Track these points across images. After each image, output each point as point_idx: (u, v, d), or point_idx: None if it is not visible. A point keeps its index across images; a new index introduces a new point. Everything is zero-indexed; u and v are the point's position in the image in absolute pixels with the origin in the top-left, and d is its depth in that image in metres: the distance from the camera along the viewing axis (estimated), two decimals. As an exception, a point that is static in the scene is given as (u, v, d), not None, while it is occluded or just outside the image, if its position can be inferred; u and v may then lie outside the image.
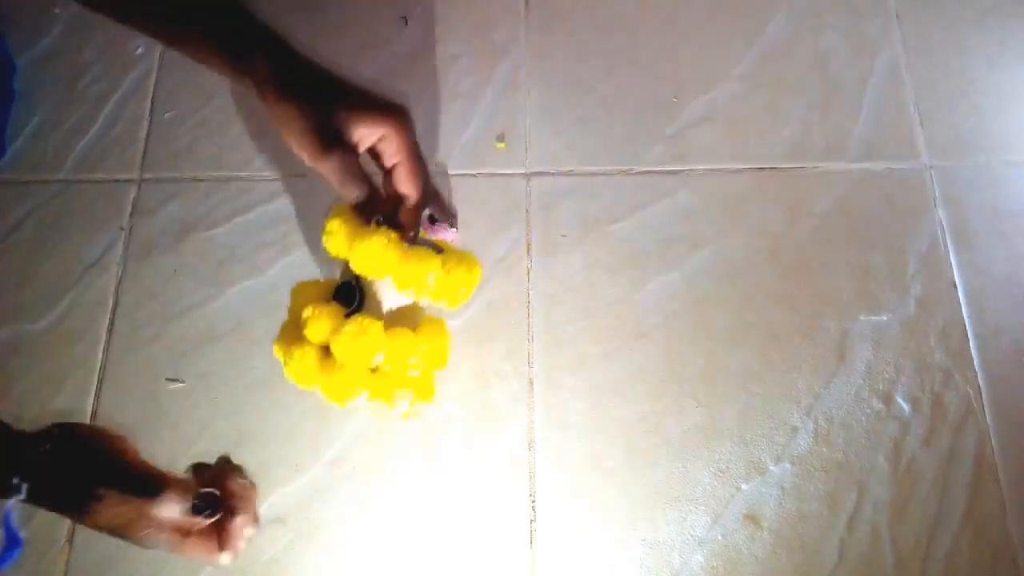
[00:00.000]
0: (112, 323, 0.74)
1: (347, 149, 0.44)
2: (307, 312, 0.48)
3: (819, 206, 0.77)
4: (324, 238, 0.48)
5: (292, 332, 0.49)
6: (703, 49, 0.84)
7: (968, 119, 0.81)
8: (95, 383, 0.72)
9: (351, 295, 0.48)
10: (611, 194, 0.78)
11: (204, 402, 0.70)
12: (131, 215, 0.78)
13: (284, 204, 0.78)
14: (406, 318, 0.50)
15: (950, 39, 0.85)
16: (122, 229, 0.77)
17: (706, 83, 0.82)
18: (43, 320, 0.74)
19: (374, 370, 0.49)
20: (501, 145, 0.79)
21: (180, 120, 0.82)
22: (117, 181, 0.80)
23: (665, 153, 0.79)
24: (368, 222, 0.47)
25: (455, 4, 0.86)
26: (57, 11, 0.88)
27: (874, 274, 0.74)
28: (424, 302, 0.50)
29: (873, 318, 0.72)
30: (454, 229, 0.55)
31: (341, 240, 0.47)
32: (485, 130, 0.80)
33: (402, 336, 0.48)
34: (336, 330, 0.46)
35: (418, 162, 0.45)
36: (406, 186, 0.46)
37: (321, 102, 0.43)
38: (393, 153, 0.45)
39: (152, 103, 0.83)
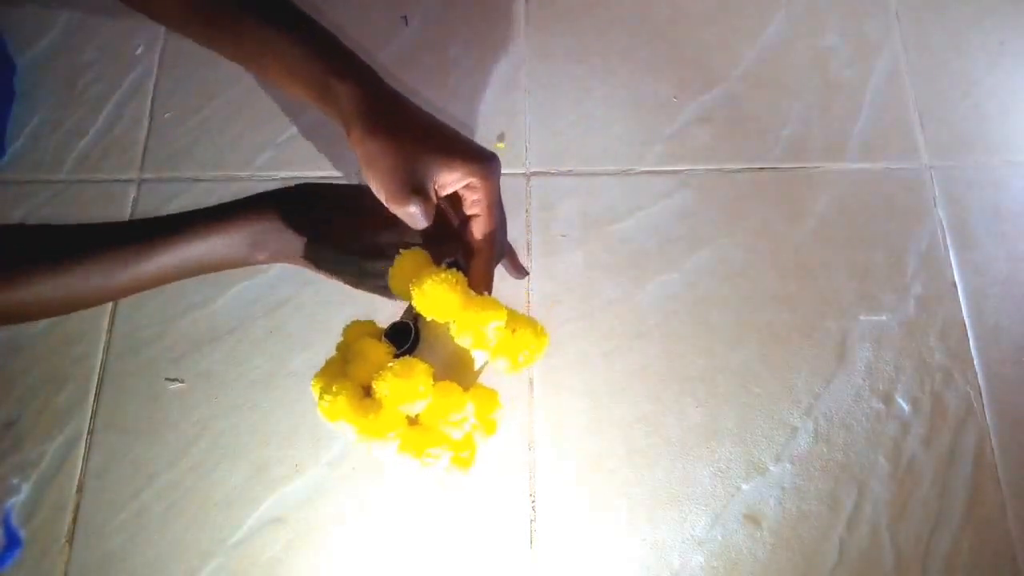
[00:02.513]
0: (112, 323, 0.74)
1: (429, 194, 0.42)
2: (355, 346, 0.45)
3: (819, 206, 0.77)
4: (389, 278, 0.46)
5: (335, 369, 0.46)
6: (703, 49, 0.84)
7: (968, 119, 0.81)
8: (95, 383, 0.72)
9: (405, 334, 0.45)
10: (611, 194, 0.78)
11: (204, 402, 0.70)
12: (131, 215, 0.78)
13: (284, 204, 0.78)
14: (459, 373, 0.46)
15: (950, 39, 0.85)
16: (122, 229, 0.77)
17: (706, 83, 0.82)
18: (43, 320, 0.74)
19: (413, 420, 0.46)
20: (501, 145, 0.79)
21: (180, 120, 0.82)
22: (117, 181, 0.80)
23: (665, 153, 0.79)
24: (438, 263, 0.44)
25: (455, 4, 0.86)
26: (57, 11, 0.87)
27: (874, 274, 0.74)
28: (481, 358, 0.46)
29: (873, 318, 0.72)
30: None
31: (405, 276, 0.44)
32: (485, 130, 0.80)
33: (450, 390, 0.45)
34: (382, 368, 0.43)
35: (499, 217, 0.44)
36: (483, 240, 0.44)
37: (411, 141, 0.41)
38: (475, 203, 0.43)
39: (152, 103, 0.83)
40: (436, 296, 0.43)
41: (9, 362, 0.73)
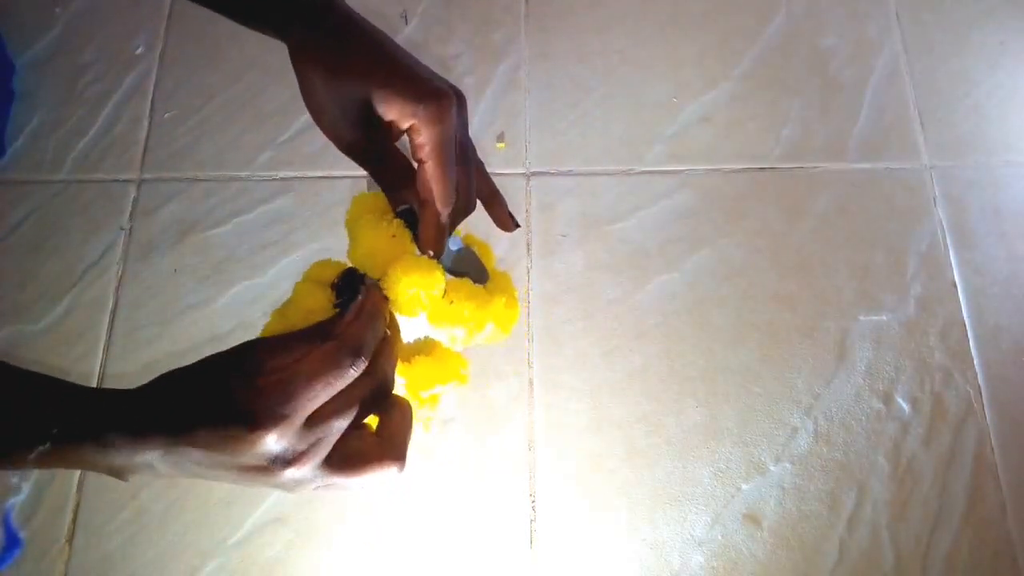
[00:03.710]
0: (112, 323, 0.74)
1: (375, 135, 0.37)
2: (296, 289, 0.40)
3: (819, 206, 0.77)
4: (345, 219, 0.41)
5: (279, 320, 0.41)
6: (703, 49, 0.84)
7: (968, 119, 0.81)
8: (95, 383, 0.71)
9: (353, 284, 0.40)
10: (611, 194, 0.77)
11: (204, 402, 0.70)
12: (131, 215, 0.78)
13: (284, 204, 0.78)
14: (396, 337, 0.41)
15: (950, 39, 0.85)
16: (122, 229, 0.77)
17: (706, 83, 0.82)
18: (43, 320, 0.74)
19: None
20: (501, 145, 0.79)
21: (180, 120, 0.82)
22: (117, 181, 0.80)
23: (665, 153, 0.79)
24: (395, 208, 0.39)
25: (455, 3, 0.86)
26: (57, 11, 0.88)
27: (874, 274, 0.74)
28: (422, 328, 0.41)
29: (873, 318, 0.72)
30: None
31: (353, 220, 0.40)
32: (485, 130, 0.80)
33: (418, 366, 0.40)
34: (318, 315, 0.38)
35: (445, 165, 0.36)
36: (427, 191, 0.37)
37: (350, 74, 0.36)
38: (420, 147, 0.37)
39: (152, 103, 0.83)
40: (367, 248, 0.38)
41: (9, 361, 0.72)
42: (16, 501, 0.67)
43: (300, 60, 0.37)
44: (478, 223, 0.45)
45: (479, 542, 0.66)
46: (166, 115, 0.83)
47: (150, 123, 0.82)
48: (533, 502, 0.67)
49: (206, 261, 0.76)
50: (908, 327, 0.72)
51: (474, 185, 0.40)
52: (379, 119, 0.37)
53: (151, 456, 0.30)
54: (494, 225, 0.45)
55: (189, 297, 0.74)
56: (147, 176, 0.80)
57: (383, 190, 0.40)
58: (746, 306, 0.73)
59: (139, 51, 0.86)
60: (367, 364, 0.33)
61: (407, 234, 0.39)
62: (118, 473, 0.31)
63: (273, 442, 0.30)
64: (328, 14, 0.37)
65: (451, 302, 0.39)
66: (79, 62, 0.85)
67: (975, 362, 0.71)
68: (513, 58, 0.84)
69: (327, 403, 0.32)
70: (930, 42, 0.84)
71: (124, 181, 0.80)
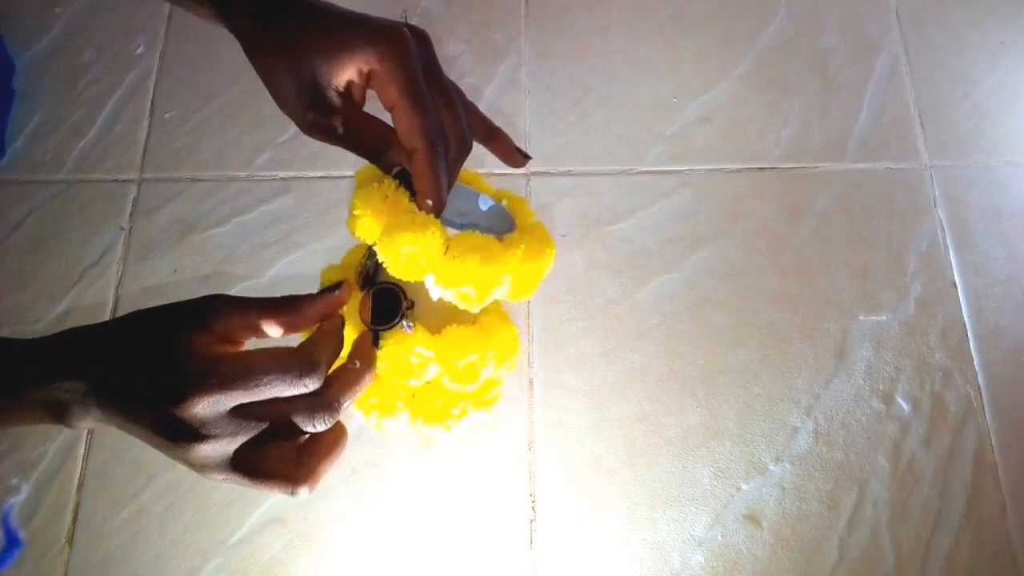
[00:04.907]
0: (112, 323, 0.74)
1: (330, 105, 0.35)
2: (323, 279, 0.38)
3: (819, 206, 0.77)
4: (348, 220, 0.37)
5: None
6: (703, 49, 0.84)
7: (968, 119, 0.81)
8: (95, 383, 0.71)
9: (392, 306, 0.37)
10: (611, 194, 0.78)
11: (204, 402, 0.70)
12: (131, 215, 0.78)
13: (284, 204, 0.78)
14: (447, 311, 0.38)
15: (950, 39, 0.85)
16: (122, 229, 0.77)
17: (706, 83, 0.82)
18: (43, 320, 0.74)
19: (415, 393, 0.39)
20: (501, 145, 0.79)
21: (180, 120, 0.82)
22: (117, 181, 0.80)
23: (665, 153, 0.79)
24: (389, 172, 0.37)
25: (455, 3, 0.86)
26: (57, 11, 0.88)
27: (874, 274, 0.74)
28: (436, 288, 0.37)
29: (873, 318, 0.72)
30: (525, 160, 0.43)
31: (369, 225, 0.36)
32: (485, 130, 0.80)
33: (455, 335, 0.37)
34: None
35: (415, 100, 0.33)
36: (407, 137, 0.34)
37: (299, 48, 0.34)
38: (386, 95, 0.34)
39: (152, 103, 0.83)
40: (361, 213, 0.35)
41: None
42: (16, 501, 0.67)
43: (250, 51, 0.36)
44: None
45: (479, 542, 0.66)
46: (166, 115, 0.83)
47: (150, 123, 0.82)
48: (533, 502, 0.67)
49: (206, 261, 0.76)
50: (908, 327, 0.72)
51: (463, 122, 0.37)
52: (338, 90, 0.35)
53: (83, 396, 0.30)
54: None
55: (189, 297, 0.74)
56: (147, 176, 0.80)
57: (369, 160, 0.37)
58: (746, 306, 0.73)
59: (139, 51, 0.86)
60: (319, 382, 0.32)
61: (403, 194, 0.36)
62: (62, 417, 0.31)
63: (194, 407, 0.29)
64: (275, 2, 0.36)
65: (453, 258, 0.35)
66: (79, 62, 0.85)
67: (975, 362, 0.71)
68: (513, 58, 0.84)
69: (264, 402, 0.31)
70: (930, 42, 0.84)
71: (124, 181, 0.80)
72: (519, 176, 0.78)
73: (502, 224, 0.40)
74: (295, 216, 0.77)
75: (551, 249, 0.39)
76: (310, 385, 0.31)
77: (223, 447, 0.30)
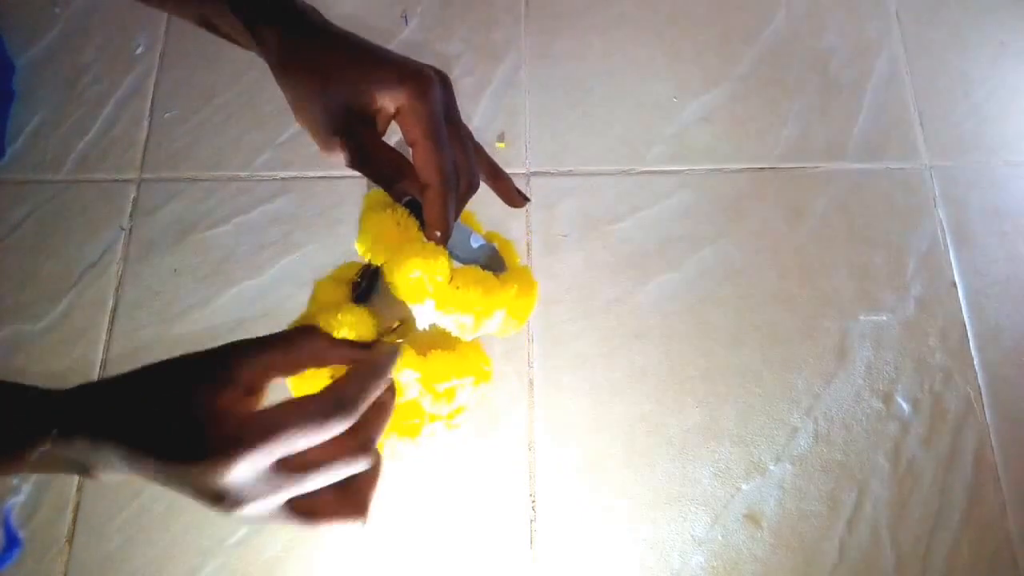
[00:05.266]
0: (112, 323, 0.74)
1: (355, 134, 0.37)
2: (316, 288, 0.40)
3: (819, 206, 0.77)
4: (359, 239, 0.40)
5: (299, 320, 0.41)
6: (703, 49, 0.84)
7: (968, 119, 0.81)
8: (95, 383, 0.72)
9: (369, 278, 0.40)
10: (611, 194, 0.78)
11: (204, 402, 0.70)
12: (131, 215, 0.78)
13: (284, 204, 0.78)
14: (409, 328, 0.41)
15: (950, 39, 0.85)
16: (122, 229, 0.77)
17: (706, 83, 0.82)
18: (43, 320, 0.74)
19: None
20: (501, 145, 0.79)
21: (180, 120, 0.82)
22: (117, 181, 0.80)
23: (665, 153, 0.79)
24: (399, 200, 0.39)
25: (455, 3, 0.86)
26: (57, 11, 0.88)
27: (874, 274, 0.74)
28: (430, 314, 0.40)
29: (873, 318, 0.72)
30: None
31: (363, 211, 0.39)
32: (485, 130, 0.80)
33: (437, 359, 0.40)
34: (334, 309, 0.38)
35: (437, 140, 0.36)
36: (424, 172, 0.36)
37: (327, 78, 0.36)
38: (409, 131, 0.37)
39: (152, 103, 0.83)
40: (373, 236, 0.38)
41: (9, 362, 0.73)
42: (16, 501, 0.67)
43: (279, 70, 0.37)
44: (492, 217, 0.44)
45: (479, 542, 0.66)
46: (166, 115, 0.83)
47: (150, 123, 0.82)
48: (533, 502, 0.67)
49: (206, 261, 0.76)
50: (908, 327, 0.72)
51: (474, 162, 0.39)
52: (365, 118, 0.37)
53: (112, 458, 0.30)
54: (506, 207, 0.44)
55: (189, 297, 0.74)
56: (147, 176, 0.80)
57: (382, 187, 0.39)
58: (746, 306, 0.73)
59: (139, 51, 0.86)
60: (354, 422, 0.32)
61: (413, 223, 0.39)
62: (86, 471, 0.30)
63: (229, 475, 0.29)
64: (297, 19, 0.37)
65: (457, 287, 0.38)
66: (79, 62, 0.85)
67: (975, 362, 0.71)
68: (513, 58, 0.84)
69: (302, 455, 0.31)
70: (930, 42, 0.84)
71: (124, 181, 0.80)
72: (520, 177, 0.78)
73: (495, 264, 0.44)
74: (295, 216, 0.77)
75: (536, 292, 0.43)
76: (340, 426, 0.32)
77: (269, 504, 0.31)
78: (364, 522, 0.33)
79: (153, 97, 0.83)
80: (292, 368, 0.35)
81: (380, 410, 0.35)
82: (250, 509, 0.30)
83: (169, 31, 0.86)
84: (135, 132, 0.82)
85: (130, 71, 0.85)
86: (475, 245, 0.43)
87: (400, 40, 0.84)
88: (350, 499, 0.33)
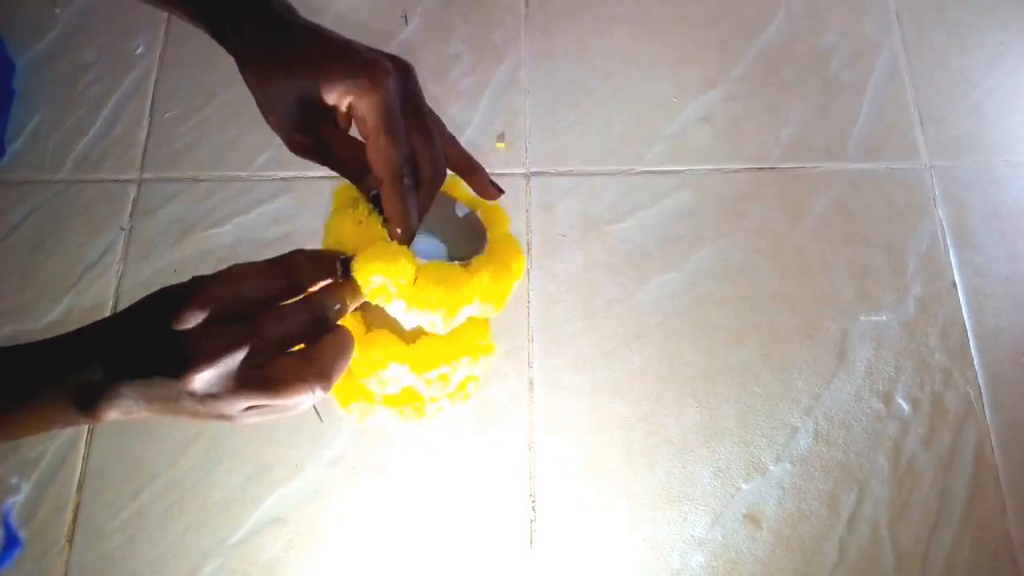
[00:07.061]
0: (112, 323, 0.74)
1: (323, 129, 0.37)
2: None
3: (819, 206, 0.77)
4: (323, 242, 0.39)
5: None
6: (703, 49, 0.84)
7: (968, 119, 0.81)
8: (95, 383, 0.71)
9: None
10: (611, 194, 0.78)
11: (204, 402, 0.70)
12: (131, 215, 0.78)
13: (284, 204, 0.78)
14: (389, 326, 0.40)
15: (950, 39, 0.85)
16: (122, 229, 0.77)
17: (706, 83, 0.82)
18: (43, 320, 0.74)
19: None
20: (501, 145, 0.79)
21: (180, 120, 0.82)
22: (117, 181, 0.80)
23: (665, 153, 0.79)
24: (367, 194, 0.39)
25: (455, 3, 0.86)
26: (57, 11, 0.88)
27: (874, 274, 0.74)
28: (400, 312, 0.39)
29: (873, 318, 0.72)
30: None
31: (332, 208, 0.39)
32: (485, 130, 0.80)
33: (426, 346, 0.39)
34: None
35: (388, 133, 0.35)
36: (376, 166, 0.36)
37: (288, 74, 0.36)
38: (361, 122, 0.36)
39: (152, 103, 0.83)
40: (334, 237, 0.38)
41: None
42: (16, 501, 0.67)
43: (243, 67, 0.37)
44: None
45: (479, 542, 0.66)
46: (166, 115, 0.83)
47: (150, 123, 0.82)
48: (533, 502, 0.67)
49: (206, 261, 0.76)
50: (908, 327, 0.72)
51: (440, 152, 0.38)
52: (324, 113, 0.37)
53: (121, 388, 0.32)
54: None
55: (189, 297, 0.74)
56: (147, 176, 0.80)
57: (350, 180, 0.39)
58: (746, 306, 0.73)
59: (139, 51, 0.86)
60: (300, 291, 0.34)
61: (376, 220, 0.38)
62: (90, 401, 0.32)
63: (184, 323, 0.32)
64: (262, 16, 0.37)
65: (421, 289, 0.37)
66: (79, 62, 0.85)
67: (975, 362, 0.71)
68: (513, 58, 0.84)
69: (247, 305, 0.34)
70: (930, 42, 0.84)
71: (124, 181, 0.80)
72: (519, 177, 0.78)
73: (474, 243, 0.42)
74: (295, 216, 0.77)
75: (519, 262, 0.42)
76: (287, 279, 0.34)
77: (225, 366, 0.32)
78: (326, 388, 0.34)
79: (153, 97, 0.83)
80: (260, 285, 0.36)
81: (333, 288, 0.36)
82: (206, 375, 0.31)
83: (169, 31, 0.86)
84: (135, 132, 0.82)
85: (130, 71, 0.85)
86: (460, 214, 0.42)
87: (400, 40, 0.84)
88: (311, 362, 0.34)
